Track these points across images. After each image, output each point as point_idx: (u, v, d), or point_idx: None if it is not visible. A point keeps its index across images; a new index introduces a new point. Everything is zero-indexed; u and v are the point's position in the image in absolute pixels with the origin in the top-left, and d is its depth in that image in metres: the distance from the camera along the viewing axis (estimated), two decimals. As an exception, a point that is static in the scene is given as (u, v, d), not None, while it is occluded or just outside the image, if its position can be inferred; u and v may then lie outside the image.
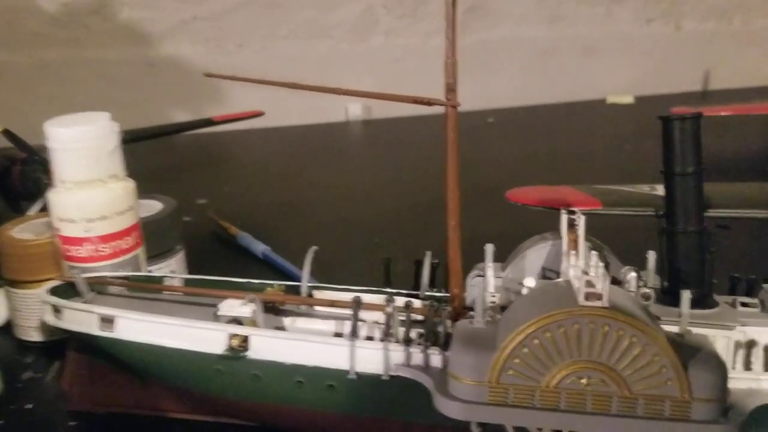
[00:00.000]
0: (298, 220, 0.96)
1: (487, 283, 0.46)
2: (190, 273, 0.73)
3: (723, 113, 1.12)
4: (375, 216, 0.97)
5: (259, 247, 0.81)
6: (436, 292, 0.54)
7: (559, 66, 1.50)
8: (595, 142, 1.25)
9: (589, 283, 0.37)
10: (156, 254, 0.66)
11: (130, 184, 0.60)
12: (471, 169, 1.13)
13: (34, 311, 0.63)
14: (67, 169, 0.57)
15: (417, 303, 0.51)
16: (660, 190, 0.65)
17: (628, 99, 1.46)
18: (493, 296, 0.48)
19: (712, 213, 0.59)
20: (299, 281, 0.74)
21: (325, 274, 0.70)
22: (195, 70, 1.39)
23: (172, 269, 0.69)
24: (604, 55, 1.51)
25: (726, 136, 1.22)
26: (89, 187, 0.57)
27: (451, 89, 0.48)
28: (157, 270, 0.67)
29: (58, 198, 0.58)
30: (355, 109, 1.44)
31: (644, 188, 0.65)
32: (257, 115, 0.99)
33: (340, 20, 1.43)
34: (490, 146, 1.23)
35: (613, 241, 0.56)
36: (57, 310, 0.52)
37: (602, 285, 0.37)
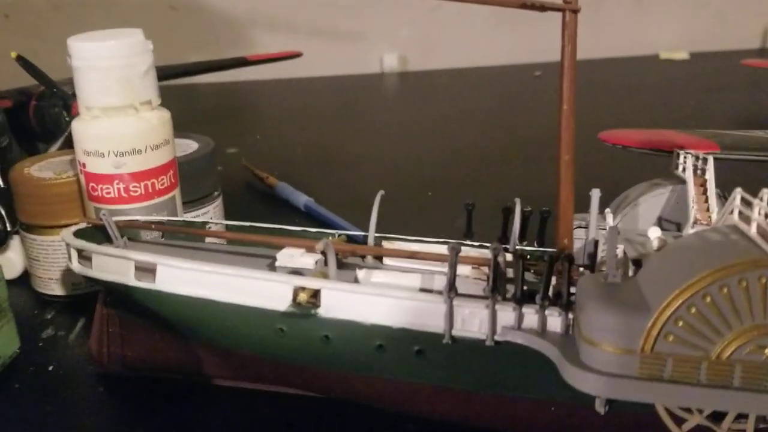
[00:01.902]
0: (337, 170, 0.87)
1: (612, 233, 0.37)
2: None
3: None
4: (421, 169, 0.88)
5: (301, 198, 0.73)
6: (528, 246, 0.46)
7: (609, 18, 1.39)
8: (654, 99, 1.16)
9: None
10: (192, 200, 0.58)
11: (166, 114, 0.51)
12: (526, 123, 1.05)
13: (55, 260, 0.55)
14: (93, 92, 0.49)
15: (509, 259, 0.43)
16: (779, 134, 0.56)
17: (682, 55, 1.35)
18: (617, 248, 0.39)
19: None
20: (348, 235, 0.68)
21: (380, 230, 0.62)
22: (220, 13, 1.30)
23: (210, 217, 0.60)
24: (658, 8, 1.40)
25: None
26: (119, 115, 0.49)
27: (571, -8, 0.39)
28: (195, 218, 0.59)
29: (83, 127, 0.49)
30: (390, 60, 1.35)
31: (758, 133, 0.57)
32: (295, 55, 0.90)
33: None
34: (541, 101, 1.13)
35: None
36: (84, 256, 0.44)
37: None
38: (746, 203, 0.32)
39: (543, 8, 0.40)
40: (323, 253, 0.40)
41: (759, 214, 0.31)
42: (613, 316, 0.30)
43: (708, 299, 0.29)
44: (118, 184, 0.49)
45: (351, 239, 0.49)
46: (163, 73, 0.81)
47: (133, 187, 0.50)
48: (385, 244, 0.47)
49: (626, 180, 0.53)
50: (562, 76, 0.40)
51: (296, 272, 0.42)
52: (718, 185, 0.46)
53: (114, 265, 0.42)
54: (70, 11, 1.26)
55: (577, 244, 0.45)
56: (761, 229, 0.30)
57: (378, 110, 1.18)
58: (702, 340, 0.29)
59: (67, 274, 0.56)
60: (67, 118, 0.68)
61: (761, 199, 0.33)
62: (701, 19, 1.42)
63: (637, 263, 0.37)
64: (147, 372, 0.46)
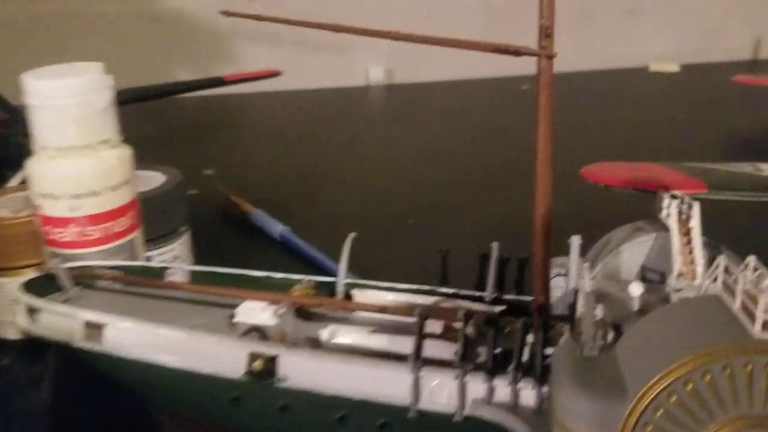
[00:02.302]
0: (318, 195, 0.84)
1: (588, 296, 0.35)
2: (197, 257, 0.62)
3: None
4: (405, 192, 0.85)
5: (277, 228, 0.71)
6: (508, 294, 0.44)
7: (599, 29, 1.37)
8: (644, 113, 1.14)
9: (770, 309, 0.26)
10: (156, 237, 0.55)
11: (126, 152, 0.49)
12: (512, 140, 1.02)
13: (10, 304, 0.53)
14: (48, 132, 0.46)
15: (480, 307, 0.41)
16: (767, 170, 0.54)
17: (673, 67, 1.33)
18: (600, 309, 0.36)
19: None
20: (324, 268, 0.65)
21: (355, 263, 0.60)
22: (202, 26, 1.27)
23: (176, 255, 0.58)
24: (648, 17, 1.38)
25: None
26: (76, 155, 0.46)
27: (547, 34, 0.36)
28: (158, 256, 0.56)
29: (38, 168, 0.47)
30: (376, 73, 1.32)
31: (746, 167, 0.54)
32: (274, 74, 0.87)
33: (362, -27, 1.30)
34: (528, 116, 1.10)
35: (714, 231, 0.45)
36: (32, 310, 0.41)
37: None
38: (730, 272, 0.30)
39: (517, 53, 0.37)
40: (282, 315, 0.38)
41: (743, 286, 0.28)
42: (588, 402, 0.28)
43: (690, 387, 0.27)
44: (73, 227, 0.47)
45: (320, 285, 0.46)
46: (140, 94, 0.79)
47: (90, 230, 0.47)
48: (355, 293, 0.44)
49: (609, 219, 0.51)
50: (537, 125, 0.37)
51: (257, 330, 0.40)
52: (704, 228, 0.43)
53: (61, 322, 0.40)
54: (48, 23, 1.23)
55: (557, 293, 0.43)
56: (745, 304, 0.28)
57: (363, 126, 1.16)
58: (684, 431, 0.27)
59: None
60: (29, 147, 0.66)
61: (746, 267, 0.31)
62: (692, 30, 1.40)
63: (617, 328, 0.34)
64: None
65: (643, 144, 0.98)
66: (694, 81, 1.28)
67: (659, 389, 0.27)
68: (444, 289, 0.44)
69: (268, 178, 0.90)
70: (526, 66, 1.39)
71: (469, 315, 0.33)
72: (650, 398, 0.27)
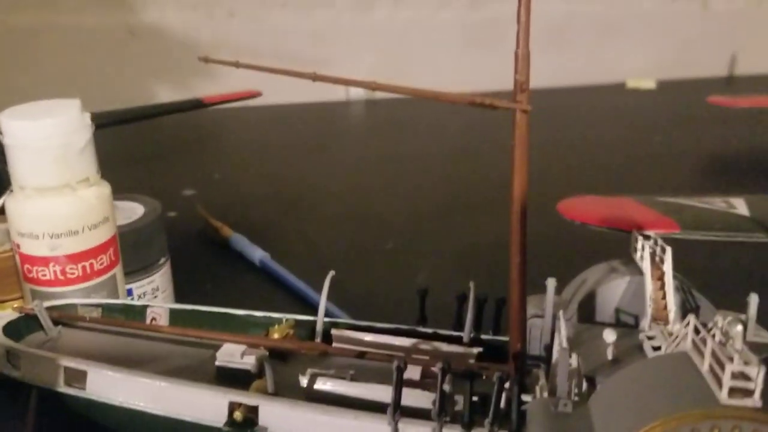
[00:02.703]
0: (297, 216, 0.85)
1: (563, 351, 0.35)
2: (177, 283, 0.62)
3: (764, 105, 1.02)
4: (384, 214, 0.86)
5: (256, 254, 0.71)
6: (484, 334, 0.45)
7: (575, 45, 1.39)
8: (620, 131, 1.15)
9: (740, 375, 0.27)
10: (136, 269, 0.56)
11: (105, 190, 0.49)
12: (488, 161, 1.03)
13: (-12, 339, 0.52)
14: (26, 171, 0.46)
15: (463, 350, 0.42)
16: (740, 207, 0.55)
17: (649, 84, 1.35)
18: (574, 357, 0.37)
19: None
20: (304, 296, 0.66)
21: (333, 292, 0.61)
22: (180, 39, 1.27)
23: (156, 286, 0.58)
24: (624, 34, 1.40)
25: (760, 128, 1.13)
26: (55, 195, 0.46)
27: (522, 89, 0.37)
28: (138, 288, 0.56)
29: (17, 207, 0.47)
30: (355, 88, 1.33)
31: (718, 203, 0.56)
32: (254, 96, 0.87)
33: (341, -11, 1.31)
34: (506, 134, 1.12)
35: (685, 270, 0.46)
36: (12, 353, 0.41)
37: (757, 377, 0.27)
38: (698, 331, 0.31)
39: (493, 107, 0.38)
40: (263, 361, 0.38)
41: (711, 347, 0.29)
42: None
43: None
44: (54, 266, 0.47)
45: (299, 323, 0.47)
46: (117, 118, 0.79)
47: (70, 269, 0.47)
48: (335, 333, 0.45)
49: (584, 254, 0.52)
50: (512, 176, 0.38)
51: (238, 374, 0.40)
52: (676, 265, 0.44)
53: (43, 367, 0.40)
54: (22, 36, 1.22)
55: (534, 332, 0.44)
56: (713, 367, 0.29)
57: (343, 143, 1.16)
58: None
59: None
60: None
61: (715, 326, 0.32)
62: (668, 46, 1.42)
63: (591, 381, 0.35)
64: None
65: (619, 165, 0.99)
66: (670, 99, 1.30)
67: (632, 451, 0.28)
68: (422, 329, 0.45)
69: (247, 198, 0.90)
70: (504, 83, 1.40)
71: (446, 368, 0.34)
72: (623, 460, 0.28)
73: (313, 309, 0.63)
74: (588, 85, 1.39)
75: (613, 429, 0.29)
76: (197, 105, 0.81)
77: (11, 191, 0.64)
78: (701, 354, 0.30)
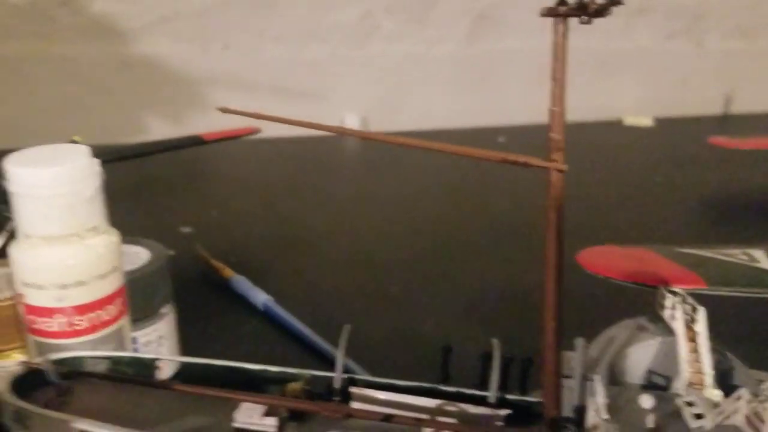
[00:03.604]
0: (297, 257, 0.83)
1: (602, 412, 0.34)
2: (179, 330, 0.60)
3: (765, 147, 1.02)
4: (388, 252, 0.85)
5: (260, 297, 0.69)
6: (509, 394, 0.43)
7: (572, 82, 1.39)
8: (620, 170, 1.15)
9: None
10: (141, 317, 0.54)
11: (114, 238, 0.47)
12: (488, 200, 1.03)
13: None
14: (33, 220, 0.44)
15: (490, 411, 0.40)
16: (761, 260, 0.54)
17: (646, 121, 1.36)
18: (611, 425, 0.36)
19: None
20: (309, 343, 0.64)
21: (337, 335, 0.59)
22: (175, 71, 1.26)
23: (161, 334, 0.56)
24: (621, 72, 1.41)
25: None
26: (62, 244, 0.44)
27: (558, 148, 0.36)
28: (144, 336, 0.54)
29: (22, 257, 0.45)
30: (352, 122, 1.32)
31: (739, 255, 0.55)
32: (254, 132, 0.86)
33: (336, 23, 1.30)
34: (505, 170, 1.11)
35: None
36: (22, 413, 0.39)
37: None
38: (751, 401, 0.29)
39: (527, 165, 0.37)
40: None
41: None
42: None
43: None
44: (60, 318, 0.45)
45: (317, 381, 0.45)
46: (116, 155, 0.77)
47: (77, 320, 0.45)
48: (354, 391, 0.43)
49: (608, 308, 0.51)
50: (546, 239, 0.37)
51: (256, 436, 0.38)
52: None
53: (56, 429, 0.38)
54: (15, 66, 1.20)
55: (563, 394, 0.42)
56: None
57: (339, 178, 1.15)
58: None
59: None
60: (6, 214, 0.63)
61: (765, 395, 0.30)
62: (664, 84, 1.43)
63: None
64: None
65: (624, 208, 0.98)
66: (668, 137, 1.30)
67: None
68: (445, 388, 0.44)
69: (246, 236, 0.88)
70: (503, 118, 1.42)
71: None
72: None
73: (320, 357, 0.62)
74: (584, 121, 1.39)
75: None
76: (197, 142, 0.79)
77: (7, 232, 0.63)
78: (755, 428, 0.29)
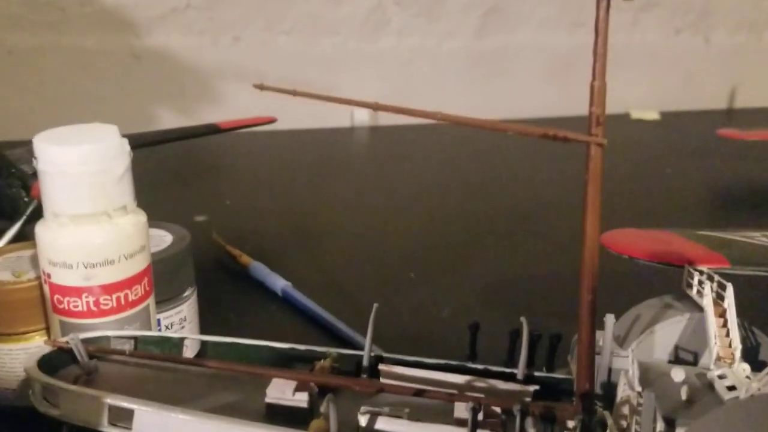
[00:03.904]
0: (313, 244, 0.83)
1: (648, 403, 0.34)
2: (201, 315, 0.60)
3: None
4: (400, 241, 0.85)
5: (278, 283, 0.69)
6: (537, 371, 0.43)
7: (580, 76, 1.39)
8: (629, 162, 1.15)
9: None
10: (165, 299, 0.54)
11: (142, 218, 0.47)
12: (499, 189, 1.03)
13: (12, 369, 0.50)
14: (62, 199, 0.44)
15: (518, 387, 0.40)
16: (783, 239, 0.54)
17: (653, 115, 1.36)
18: (641, 396, 0.36)
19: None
20: (329, 327, 0.64)
21: (361, 324, 0.59)
22: (185, 64, 1.26)
23: (184, 316, 0.56)
24: (628, 66, 1.41)
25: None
26: (91, 223, 0.44)
27: (598, 122, 0.36)
28: (166, 318, 0.54)
29: (50, 236, 0.45)
30: (361, 115, 1.32)
31: (759, 238, 0.55)
32: (270, 121, 0.86)
33: (347, 16, 1.30)
34: (514, 162, 1.11)
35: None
36: (48, 390, 0.39)
37: None
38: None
39: (566, 139, 0.37)
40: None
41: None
42: None
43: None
44: (87, 297, 0.45)
45: (346, 359, 0.45)
46: (134, 142, 0.77)
47: (104, 300, 0.45)
48: (383, 368, 0.43)
49: (633, 288, 0.51)
50: (584, 213, 0.37)
51: (291, 411, 0.39)
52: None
53: (84, 406, 0.38)
54: (26, 57, 1.20)
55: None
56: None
57: (350, 169, 1.15)
58: None
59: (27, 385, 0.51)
60: (26, 199, 0.64)
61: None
62: (671, 79, 1.43)
63: (670, 423, 0.34)
64: None
65: (639, 197, 0.99)
66: (675, 130, 1.31)
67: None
68: (473, 365, 0.44)
69: (259, 224, 0.88)
70: (511, 111, 1.42)
71: (524, 410, 0.32)
72: None
73: (340, 340, 0.62)
74: (591, 115, 1.40)
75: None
76: (213, 130, 0.79)
77: (25, 216, 0.63)
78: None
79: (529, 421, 0.32)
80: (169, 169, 1.08)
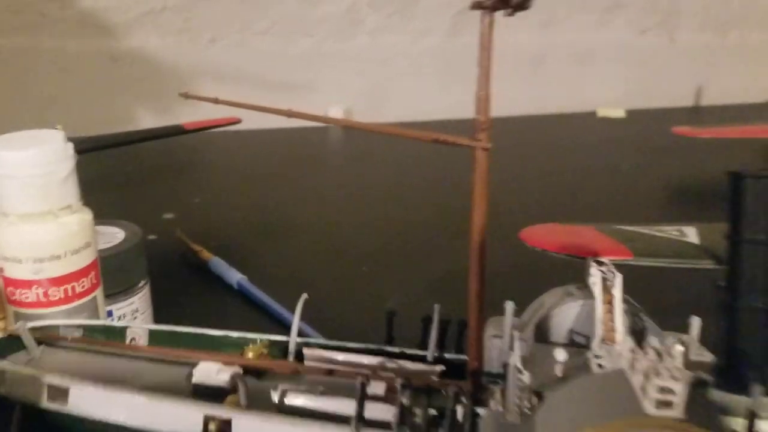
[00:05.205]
0: (275, 241, 0.87)
1: (515, 361, 0.38)
2: (157, 306, 0.64)
3: (731, 135, 1.06)
4: (362, 237, 0.89)
5: (234, 276, 0.73)
6: (447, 353, 0.47)
7: (549, 75, 1.43)
8: (589, 159, 1.19)
9: (664, 389, 0.30)
10: (117, 292, 0.58)
11: (87, 216, 0.51)
12: (459, 188, 1.06)
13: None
14: (11, 200, 0.48)
15: (427, 370, 0.45)
16: (690, 235, 0.58)
17: (619, 113, 1.40)
18: (522, 373, 0.40)
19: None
20: (280, 318, 0.68)
21: (310, 314, 0.63)
22: (163, 65, 1.30)
23: (135, 308, 0.60)
24: (596, 65, 1.45)
25: (723, 157, 1.17)
26: (38, 222, 0.48)
27: (482, 128, 0.40)
28: (118, 309, 0.58)
29: (2, 234, 0.49)
30: (336, 112, 1.36)
31: (671, 231, 0.59)
32: (234, 122, 0.90)
33: (322, 16, 1.34)
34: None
35: (638, 294, 0.49)
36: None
37: (680, 391, 0.30)
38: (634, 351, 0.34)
39: (455, 144, 0.41)
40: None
41: (644, 365, 0.32)
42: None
43: (592, 457, 0.30)
44: (36, 289, 0.49)
45: (273, 343, 0.49)
46: (98, 143, 0.82)
47: (53, 291, 0.49)
48: (307, 352, 0.47)
49: (546, 279, 0.55)
50: (472, 210, 0.41)
51: (214, 390, 0.43)
52: (630, 294, 0.47)
53: (27, 383, 0.42)
54: (6, 59, 1.24)
55: (494, 352, 0.47)
56: (643, 382, 0.31)
57: (321, 168, 1.19)
58: (590, 496, 0.31)
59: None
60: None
61: (649, 346, 0.35)
62: (637, 77, 1.47)
63: (540, 395, 0.38)
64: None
65: (586, 193, 1.03)
66: (638, 127, 1.34)
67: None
68: (390, 349, 0.48)
69: (226, 222, 0.92)
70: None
71: (406, 383, 0.36)
72: (561, 467, 0.30)
73: (288, 330, 0.66)
74: (562, 113, 1.43)
75: (553, 439, 0.31)
76: (178, 131, 0.83)
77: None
78: (634, 372, 0.33)
79: (407, 393, 0.36)
80: (140, 169, 1.12)
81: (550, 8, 1.40)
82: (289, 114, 0.44)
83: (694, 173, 1.12)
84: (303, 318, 0.63)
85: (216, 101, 0.46)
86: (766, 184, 0.40)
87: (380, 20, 1.35)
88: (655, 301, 0.50)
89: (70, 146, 0.50)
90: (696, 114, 1.46)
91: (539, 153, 1.21)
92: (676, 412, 0.30)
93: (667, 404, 0.30)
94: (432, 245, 0.86)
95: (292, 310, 0.67)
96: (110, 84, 1.27)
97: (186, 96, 0.47)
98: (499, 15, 0.41)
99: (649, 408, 0.30)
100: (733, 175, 0.40)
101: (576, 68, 1.44)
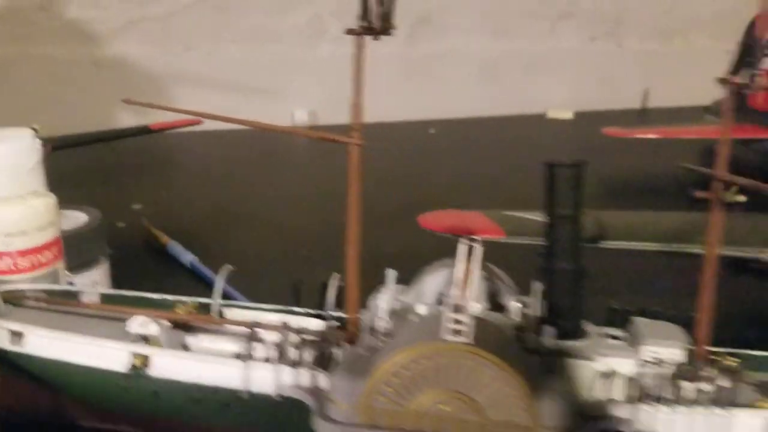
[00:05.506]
0: (230, 229, 0.98)
1: (377, 308, 0.49)
2: (120, 281, 0.75)
3: (652, 136, 1.16)
4: (309, 227, 0.99)
5: (187, 257, 0.84)
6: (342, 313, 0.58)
7: (502, 79, 1.54)
8: (533, 157, 1.29)
9: (456, 320, 0.41)
10: (78, 266, 0.68)
11: (51, 200, 0.62)
12: (402, 184, 1.17)
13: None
14: (-14, 185, 0.59)
15: (317, 323, 0.55)
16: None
17: (567, 114, 1.50)
18: (387, 321, 0.51)
19: (608, 245, 0.63)
20: (226, 292, 0.78)
21: (248, 287, 0.73)
22: (142, 71, 1.41)
23: (95, 280, 0.70)
24: (547, 70, 1.55)
25: (655, 156, 1.27)
26: (8, 204, 0.59)
27: (355, 129, 0.51)
28: (78, 281, 0.69)
29: (-21, 213, 0.59)
30: (301, 115, 1.47)
31: (537, 216, 0.69)
32: (194, 123, 1.01)
33: (288, 27, 1.45)
34: (427, 158, 1.26)
35: (518, 268, 0.59)
36: (-30, 323, 0.54)
37: (468, 321, 0.41)
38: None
39: (334, 141, 0.51)
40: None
41: (454, 307, 0.43)
42: (343, 380, 0.42)
43: (405, 370, 0.41)
44: (6, 259, 0.60)
45: (202, 305, 0.60)
46: (72, 141, 0.92)
47: (20, 261, 0.60)
48: (226, 311, 0.58)
49: (435, 255, 0.66)
50: (348, 197, 0.51)
51: (144, 337, 0.53)
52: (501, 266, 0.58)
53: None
54: (-1, 66, 1.35)
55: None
56: (453, 320, 0.42)
57: (286, 164, 1.29)
58: (401, 399, 0.41)
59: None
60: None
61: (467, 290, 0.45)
62: (587, 81, 1.58)
63: (389, 335, 0.48)
64: (28, 416, 0.56)
65: (512, 187, 1.13)
66: (583, 128, 1.45)
67: (387, 371, 0.41)
68: (297, 309, 0.58)
69: (188, 213, 1.03)
70: (436, 112, 1.59)
71: (286, 330, 0.47)
72: (381, 376, 0.41)
73: (228, 299, 0.76)
74: (515, 114, 1.54)
75: (381, 358, 0.42)
76: (144, 131, 0.94)
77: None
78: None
79: (290, 337, 0.47)
80: (114, 165, 1.23)
81: (504, 17, 1.51)
82: (201, 115, 0.54)
83: (622, 171, 1.22)
84: (240, 289, 0.74)
85: (151, 106, 0.56)
86: (571, 171, 0.50)
87: (342, 30, 1.46)
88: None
89: (38, 142, 0.60)
90: (643, 116, 1.56)
91: (484, 150, 1.31)
92: (466, 339, 0.41)
93: (459, 332, 0.41)
94: (366, 230, 0.96)
95: (236, 287, 0.78)
96: (93, 88, 1.38)
97: (128, 102, 0.57)
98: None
99: (447, 334, 0.41)
100: (548, 165, 0.50)
101: (528, 74, 1.54)
